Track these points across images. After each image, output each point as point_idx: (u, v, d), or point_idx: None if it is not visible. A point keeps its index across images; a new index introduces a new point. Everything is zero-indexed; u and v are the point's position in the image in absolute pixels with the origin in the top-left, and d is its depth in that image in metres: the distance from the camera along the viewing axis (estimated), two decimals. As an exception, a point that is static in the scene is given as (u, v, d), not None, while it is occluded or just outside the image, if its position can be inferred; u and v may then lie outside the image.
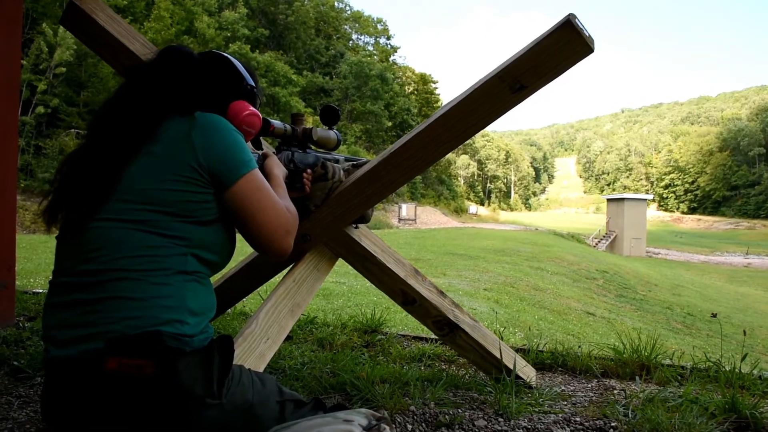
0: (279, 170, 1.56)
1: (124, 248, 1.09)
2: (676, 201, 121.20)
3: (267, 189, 1.28)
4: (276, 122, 1.69)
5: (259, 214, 1.24)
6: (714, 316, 12.86)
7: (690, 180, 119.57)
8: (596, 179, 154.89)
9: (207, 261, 1.21)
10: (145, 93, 1.23)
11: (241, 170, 1.22)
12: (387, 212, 45.24)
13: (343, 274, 8.80)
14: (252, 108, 1.39)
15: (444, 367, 2.63)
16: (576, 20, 1.57)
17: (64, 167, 1.23)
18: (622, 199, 42.07)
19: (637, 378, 2.51)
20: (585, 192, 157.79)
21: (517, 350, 2.68)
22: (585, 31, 1.58)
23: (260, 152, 1.62)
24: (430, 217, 51.78)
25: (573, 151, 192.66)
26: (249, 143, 1.49)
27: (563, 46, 1.60)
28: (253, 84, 1.43)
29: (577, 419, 2.00)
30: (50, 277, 1.17)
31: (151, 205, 1.12)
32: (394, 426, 1.89)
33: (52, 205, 1.21)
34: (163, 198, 1.12)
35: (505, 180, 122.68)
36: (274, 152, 1.74)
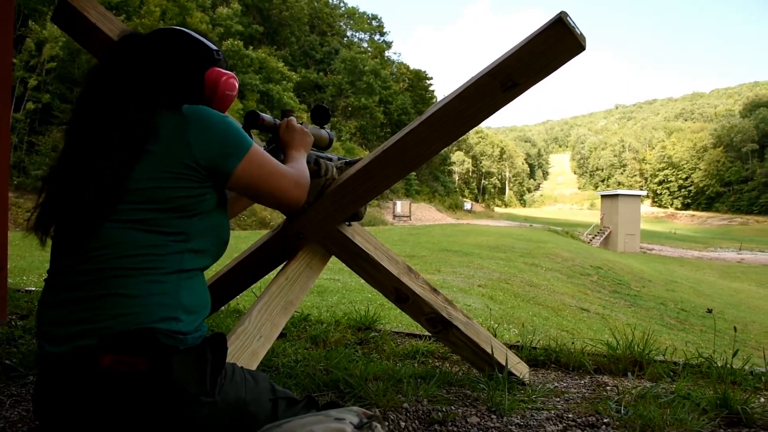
0: (290, 135, 1.66)
1: (123, 248, 1.09)
2: (670, 197, 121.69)
3: (267, 160, 1.34)
4: (266, 116, 1.69)
5: (266, 186, 1.34)
6: (709, 311, 12.91)
7: (684, 176, 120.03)
8: (590, 175, 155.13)
9: (203, 252, 1.22)
10: (133, 90, 1.20)
11: (239, 155, 1.25)
12: (381, 209, 45.26)
13: (337, 271, 8.80)
14: (227, 72, 1.37)
15: (437, 364, 2.64)
16: (567, 18, 1.57)
17: (54, 173, 1.20)
18: (616, 196, 42.12)
19: (629, 374, 2.52)
20: (579, 188, 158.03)
21: (511, 347, 2.69)
22: (576, 29, 1.59)
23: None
24: (425, 214, 51.78)
25: (567, 147, 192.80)
26: None
27: (555, 44, 1.61)
28: (216, 48, 1.40)
29: (570, 415, 2.01)
30: (45, 276, 1.17)
31: (150, 204, 1.12)
32: (387, 423, 1.89)
33: (45, 216, 1.19)
34: (162, 196, 1.13)
35: (500, 176, 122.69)
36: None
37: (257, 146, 1.31)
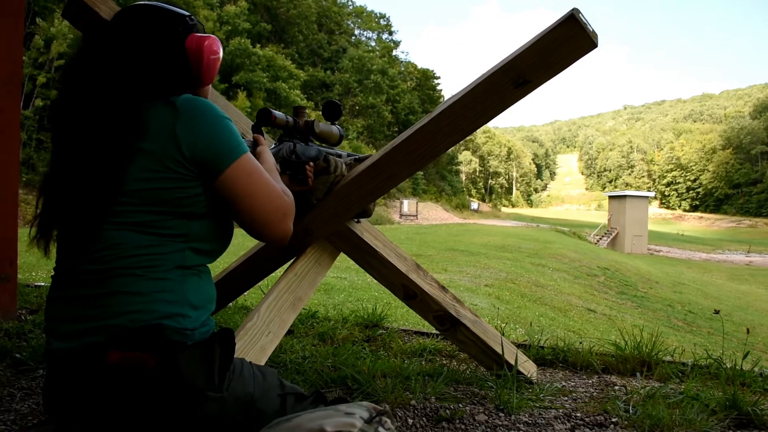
0: (270, 156, 1.50)
1: (125, 248, 1.08)
2: (678, 199, 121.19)
3: (260, 172, 1.22)
4: (278, 113, 1.69)
5: (252, 200, 1.19)
6: (716, 312, 12.84)
7: (692, 178, 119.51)
8: (598, 176, 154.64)
9: (205, 251, 1.20)
10: (116, 83, 1.15)
11: (230, 157, 1.16)
12: (388, 208, 45.24)
13: (344, 269, 8.81)
14: (207, 35, 1.28)
15: (445, 361, 2.63)
16: (580, 15, 1.56)
17: (48, 180, 1.18)
18: (624, 197, 42.02)
19: (637, 374, 2.51)
20: (587, 189, 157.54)
21: (518, 346, 2.68)
22: (588, 26, 1.58)
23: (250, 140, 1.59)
24: (432, 213, 51.71)
25: (575, 147, 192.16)
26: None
27: (567, 41, 1.60)
28: (189, 13, 1.30)
29: (578, 415, 2.00)
30: (52, 272, 1.17)
31: (147, 206, 1.10)
32: (395, 420, 1.89)
33: (45, 224, 1.18)
34: (158, 197, 1.10)
35: (507, 176, 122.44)
36: (274, 143, 1.74)
37: (252, 156, 1.23)
